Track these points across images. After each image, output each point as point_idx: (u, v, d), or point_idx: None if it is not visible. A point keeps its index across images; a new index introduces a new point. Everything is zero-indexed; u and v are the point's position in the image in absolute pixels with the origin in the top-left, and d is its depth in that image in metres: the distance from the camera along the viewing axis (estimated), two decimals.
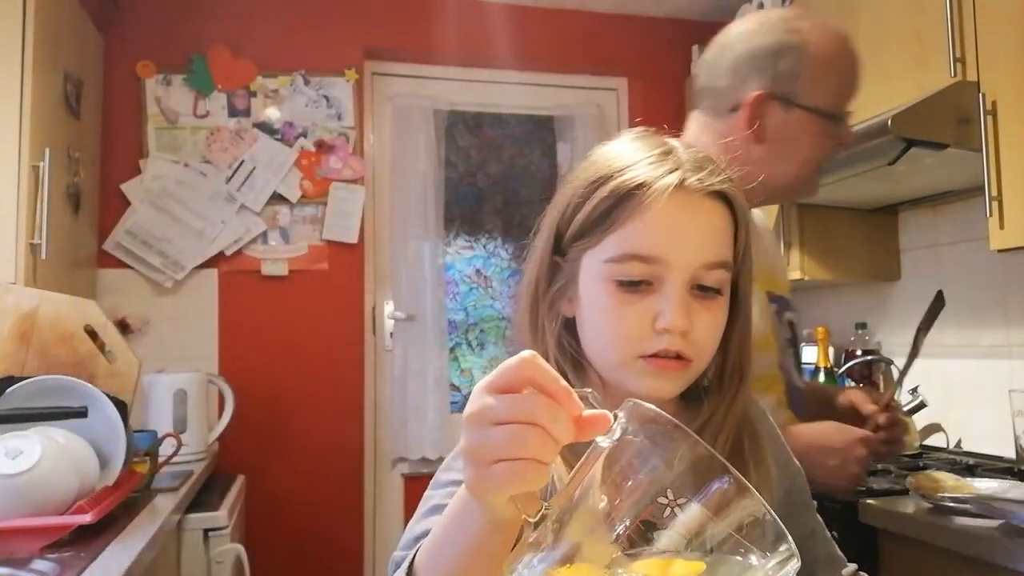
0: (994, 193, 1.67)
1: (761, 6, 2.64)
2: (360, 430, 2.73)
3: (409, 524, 0.69)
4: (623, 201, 0.69)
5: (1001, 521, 1.33)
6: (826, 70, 1.18)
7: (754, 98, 1.19)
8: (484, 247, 3.07)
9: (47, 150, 1.90)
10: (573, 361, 0.75)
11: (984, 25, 1.70)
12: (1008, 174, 1.65)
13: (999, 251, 1.70)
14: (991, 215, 1.67)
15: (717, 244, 0.71)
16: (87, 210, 2.38)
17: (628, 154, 0.72)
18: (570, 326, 0.76)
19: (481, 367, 3.02)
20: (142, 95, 2.62)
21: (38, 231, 1.88)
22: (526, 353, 0.48)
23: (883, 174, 1.90)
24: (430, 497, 0.69)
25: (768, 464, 0.77)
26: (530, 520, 0.48)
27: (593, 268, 0.71)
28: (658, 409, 0.48)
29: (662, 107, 3.02)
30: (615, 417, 0.48)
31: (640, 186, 0.69)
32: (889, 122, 1.67)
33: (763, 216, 1.39)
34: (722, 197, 0.71)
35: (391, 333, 2.82)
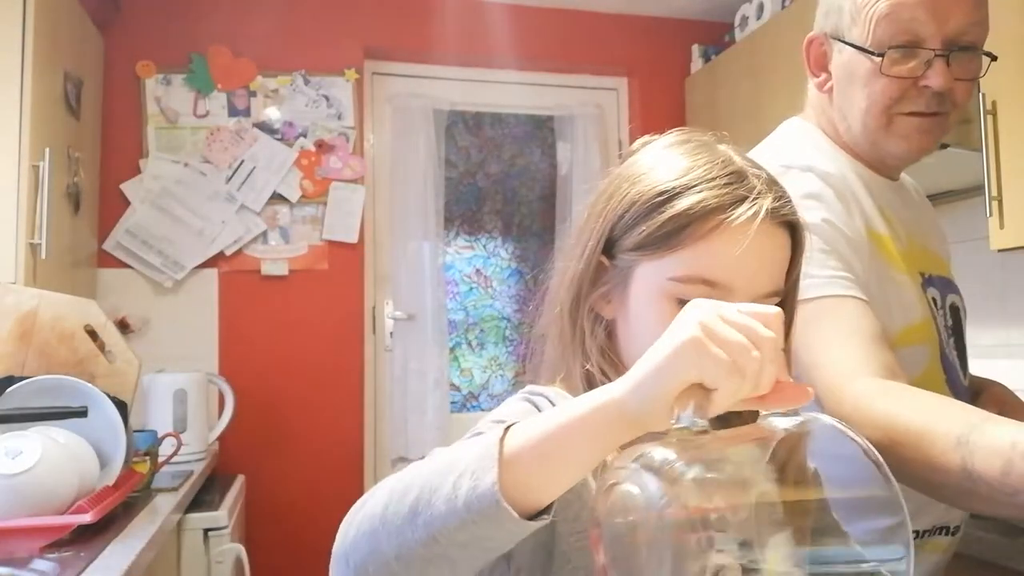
0: (994, 193, 1.67)
1: (761, 7, 2.64)
2: (360, 430, 2.73)
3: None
4: (697, 222, 0.68)
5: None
6: None
7: (806, 42, 1.05)
8: (484, 247, 3.07)
9: (47, 150, 1.90)
10: (610, 361, 0.74)
11: None
12: (1008, 174, 1.65)
13: (999, 251, 1.70)
14: (991, 215, 1.67)
15: (778, 274, 0.71)
16: (87, 210, 2.38)
17: (697, 168, 0.71)
18: (607, 327, 0.76)
19: (481, 367, 3.02)
20: (142, 95, 2.62)
21: (38, 231, 1.88)
22: (777, 310, 0.55)
23: None
24: (476, 430, 0.67)
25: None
26: (698, 422, 0.51)
27: (652, 281, 0.71)
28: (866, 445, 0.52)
29: (662, 107, 3.02)
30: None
31: (716, 210, 0.68)
32: None
33: (918, 187, 1.22)
34: (789, 225, 0.72)
35: (391, 333, 2.82)
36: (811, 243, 0.77)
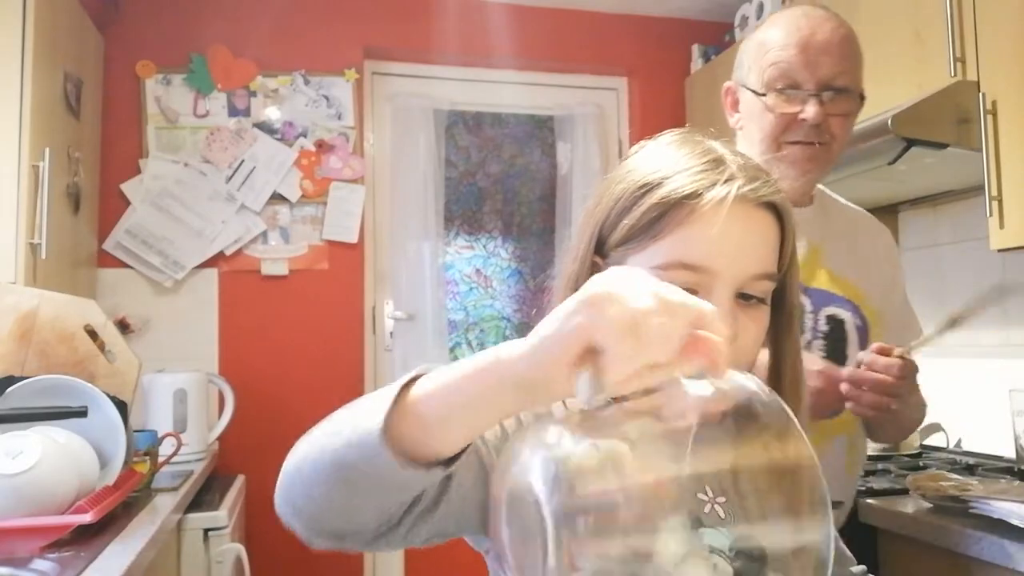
0: (994, 193, 1.67)
1: (761, 7, 2.64)
2: None
3: None
4: (673, 209, 0.69)
5: (1000, 521, 1.33)
6: (760, 49, 1.23)
7: (723, 91, 1.32)
8: (484, 247, 3.07)
9: (47, 150, 1.90)
10: None
11: (984, 25, 1.70)
12: (1008, 174, 1.65)
13: (999, 251, 1.70)
14: (991, 215, 1.67)
15: (765, 255, 0.71)
16: (87, 210, 2.38)
17: (677, 160, 0.72)
18: None
19: None
20: (142, 95, 2.62)
21: (38, 231, 1.88)
22: (707, 307, 0.48)
23: (883, 174, 1.90)
24: None
25: None
26: (595, 399, 0.47)
27: None
28: (770, 393, 0.48)
29: (662, 107, 3.02)
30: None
31: (691, 195, 0.69)
32: (889, 122, 1.67)
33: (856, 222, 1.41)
34: (771, 207, 0.72)
35: (391, 333, 2.82)
36: None
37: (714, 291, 0.69)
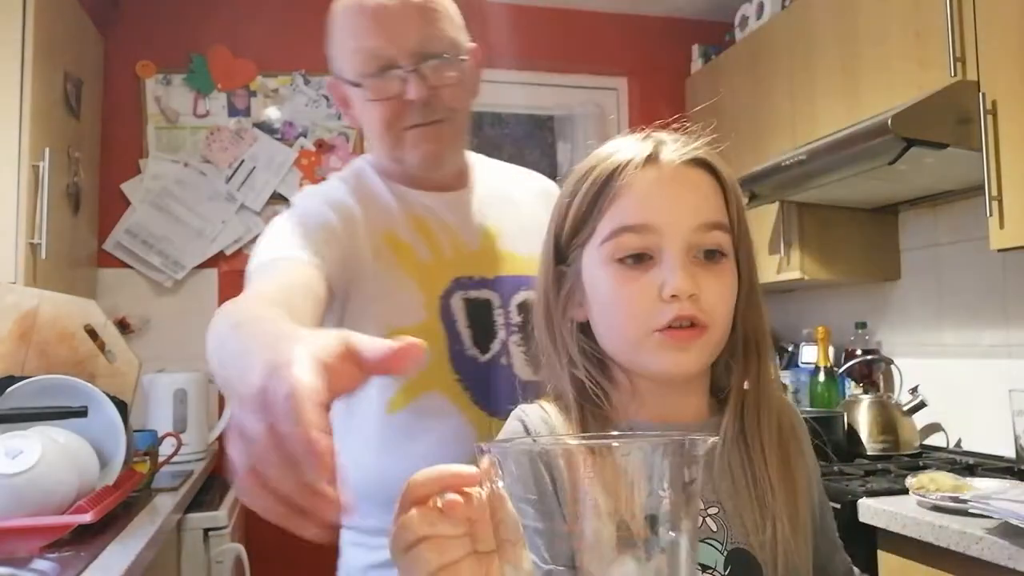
0: (994, 193, 1.67)
1: (761, 7, 2.64)
2: None
3: None
4: (606, 186, 0.73)
5: (1000, 521, 1.33)
6: (340, 36, 1.06)
7: (328, 86, 1.15)
8: None
9: (47, 150, 1.90)
10: (596, 362, 0.76)
11: (984, 25, 1.70)
12: (1008, 174, 1.65)
13: (999, 251, 1.71)
14: (991, 215, 1.67)
15: (703, 206, 0.73)
16: (87, 210, 2.38)
17: (608, 147, 0.77)
18: (585, 329, 0.77)
19: None
20: (142, 95, 2.62)
21: (38, 231, 1.88)
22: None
23: (883, 174, 1.90)
24: None
25: (809, 454, 0.80)
26: None
27: (592, 258, 0.74)
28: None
29: (662, 107, 3.01)
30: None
31: (618, 167, 0.73)
32: (889, 122, 1.67)
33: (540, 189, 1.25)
34: (703, 165, 0.74)
35: None
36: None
37: (664, 250, 0.71)
